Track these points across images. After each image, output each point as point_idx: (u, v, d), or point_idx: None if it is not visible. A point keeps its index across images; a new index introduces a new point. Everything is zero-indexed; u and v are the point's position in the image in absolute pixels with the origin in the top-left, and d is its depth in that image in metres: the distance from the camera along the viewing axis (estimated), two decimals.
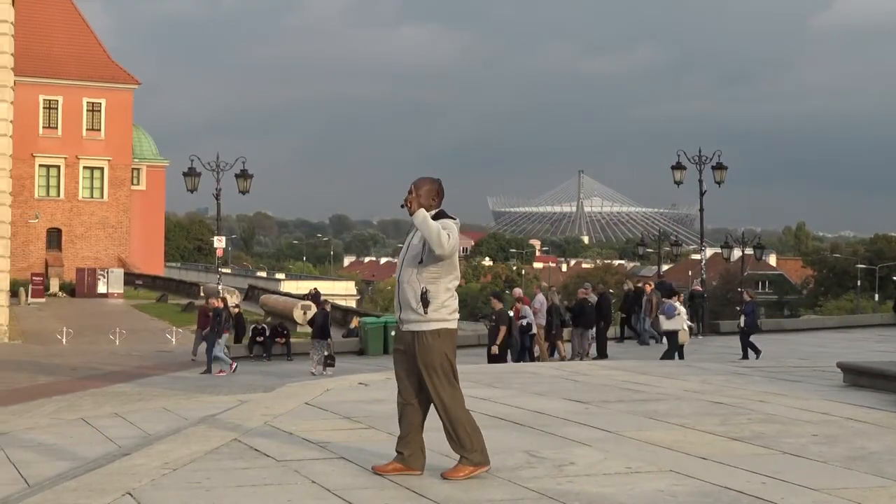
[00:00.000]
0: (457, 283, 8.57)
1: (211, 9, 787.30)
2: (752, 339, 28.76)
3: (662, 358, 25.81)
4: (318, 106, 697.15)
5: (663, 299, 28.88)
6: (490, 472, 8.53)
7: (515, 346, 29.25)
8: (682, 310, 28.05)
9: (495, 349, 27.20)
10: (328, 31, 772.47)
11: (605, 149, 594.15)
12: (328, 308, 35.40)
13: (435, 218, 8.40)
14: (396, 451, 8.63)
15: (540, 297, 32.90)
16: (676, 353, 26.70)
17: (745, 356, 27.49)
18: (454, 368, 8.52)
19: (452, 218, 8.51)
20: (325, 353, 32.73)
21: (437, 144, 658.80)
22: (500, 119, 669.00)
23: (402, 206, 8.49)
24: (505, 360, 26.84)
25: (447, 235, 8.30)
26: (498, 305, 28.14)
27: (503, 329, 27.27)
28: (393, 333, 38.14)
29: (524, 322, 30.34)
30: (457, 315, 8.59)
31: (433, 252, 8.30)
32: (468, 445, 8.45)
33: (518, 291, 33.87)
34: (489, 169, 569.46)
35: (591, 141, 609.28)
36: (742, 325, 29.56)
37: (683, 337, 27.30)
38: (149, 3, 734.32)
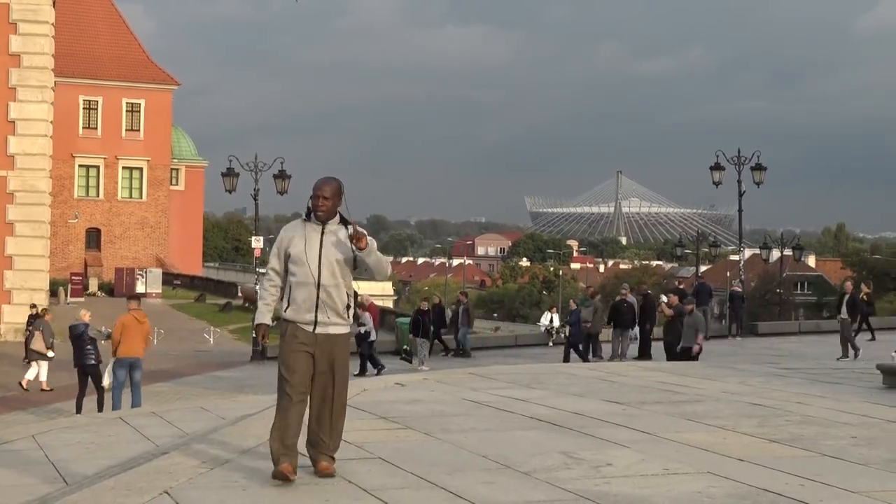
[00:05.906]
0: None
1: (259, 12, 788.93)
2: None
3: None
4: (361, 107, 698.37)
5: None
6: (528, 473, 8.54)
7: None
8: None
9: (697, 347, 24.29)
10: (376, 34, 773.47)
11: (646, 150, 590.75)
12: (424, 307, 34.70)
13: (340, 221, 8.50)
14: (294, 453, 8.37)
15: None
16: None
17: (567, 360, 29.65)
18: None
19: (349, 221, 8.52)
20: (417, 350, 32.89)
21: (476, 146, 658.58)
22: (545, 121, 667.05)
23: (351, 239, 8.36)
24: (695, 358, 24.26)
25: (387, 263, 8.75)
26: (688, 306, 26.77)
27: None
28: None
29: (362, 330, 30.55)
30: None
31: (372, 274, 8.56)
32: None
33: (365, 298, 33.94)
34: (528, 170, 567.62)
35: (633, 142, 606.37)
36: (567, 334, 31.99)
37: None
38: (196, 6, 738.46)
